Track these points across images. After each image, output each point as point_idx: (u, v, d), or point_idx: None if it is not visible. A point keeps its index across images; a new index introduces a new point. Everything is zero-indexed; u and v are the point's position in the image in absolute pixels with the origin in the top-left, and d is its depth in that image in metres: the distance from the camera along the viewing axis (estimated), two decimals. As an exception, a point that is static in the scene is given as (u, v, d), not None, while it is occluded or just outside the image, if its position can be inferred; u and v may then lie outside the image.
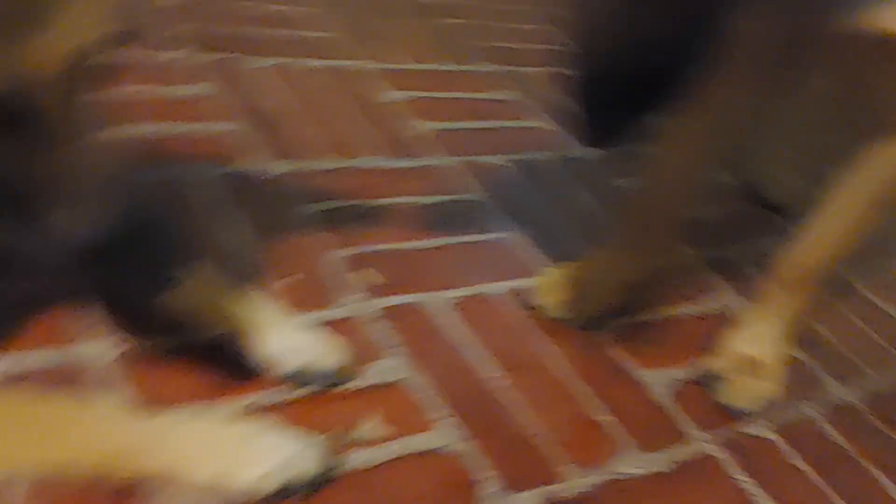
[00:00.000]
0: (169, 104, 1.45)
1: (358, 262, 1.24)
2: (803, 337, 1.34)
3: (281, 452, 0.86)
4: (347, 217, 1.32)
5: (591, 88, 0.73)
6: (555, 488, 1.00)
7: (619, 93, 0.75)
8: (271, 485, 0.85)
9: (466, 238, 1.39)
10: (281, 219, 1.27)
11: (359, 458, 0.95)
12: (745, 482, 1.10)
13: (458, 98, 1.79)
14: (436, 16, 2.16)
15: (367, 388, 1.04)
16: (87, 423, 0.80)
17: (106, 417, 0.82)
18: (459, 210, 1.45)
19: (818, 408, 1.27)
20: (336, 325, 1.11)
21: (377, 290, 1.20)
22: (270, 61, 1.67)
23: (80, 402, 0.84)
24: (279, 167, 1.38)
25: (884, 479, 1.18)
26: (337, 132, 1.53)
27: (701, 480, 1.08)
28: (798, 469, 1.15)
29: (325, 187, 1.37)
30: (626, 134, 0.84)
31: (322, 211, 1.31)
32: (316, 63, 1.73)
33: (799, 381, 1.29)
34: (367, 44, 1.87)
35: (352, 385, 1.04)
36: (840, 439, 1.23)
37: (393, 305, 1.18)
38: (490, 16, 2.29)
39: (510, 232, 1.43)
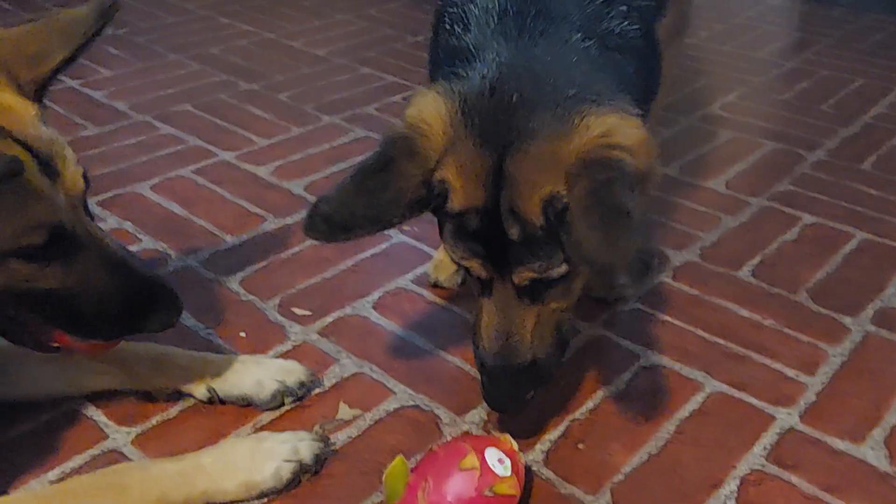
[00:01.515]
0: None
1: (287, 305, 1.52)
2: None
3: (283, 448, 1.14)
4: (268, 275, 1.60)
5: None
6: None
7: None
8: (286, 474, 1.13)
9: (371, 251, 1.69)
10: (216, 293, 1.54)
11: (344, 435, 1.24)
12: (629, 345, 1.44)
13: (313, 153, 2.09)
14: (271, 90, 2.46)
15: (332, 387, 1.33)
16: (139, 479, 1.05)
17: (149, 468, 1.08)
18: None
19: (667, 274, 1.63)
20: (289, 355, 1.39)
21: (308, 319, 1.49)
22: (154, 181, 1.93)
23: (124, 468, 1.09)
24: (201, 255, 1.65)
25: (730, 305, 1.54)
26: (233, 213, 1.80)
27: (597, 349, 1.42)
28: (665, 321, 1.51)
29: (243, 258, 1.66)
30: None
31: (246, 277, 1.59)
32: (189, 170, 2.00)
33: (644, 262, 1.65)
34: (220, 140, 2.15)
35: (318, 390, 1.32)
36: (688, 289, 1.59)
37: (327, 324, 1.48)
38: (309, 79, 2.60)
39: (399, 235, 1.74)
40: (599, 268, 1.00)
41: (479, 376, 1.17)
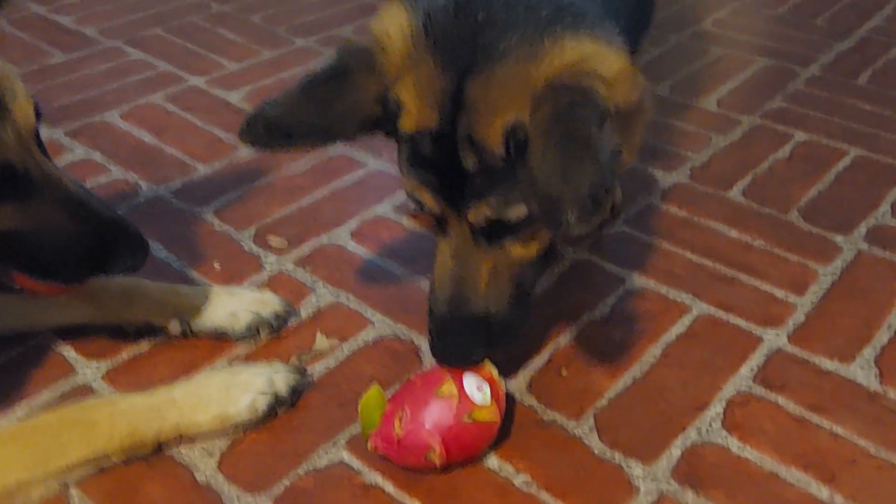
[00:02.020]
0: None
1: (262, 235, 1.47)
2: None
3: (258, 381, 1.11)
4: (242, 204, 1.55)
5: None
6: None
7: None
8: (261, 407, 1.10)
9: (347, 179, 1.63)
10: (189, 223, 1.49)
11: (322, 366, 1.21)
12: (614, 269, 1.41)
13: (285, 77, 2.01)
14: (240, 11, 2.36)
15: (308, 318, 1.30)
16: (107, 413, 1.02)
17: (118, 403, 1.05)
18: (335, 162, 1.69)
19: (655, 196, 1.59)
20: (265, 286, 1.35)
21: (284, 249, 1.44)
22: (123, 108, 1.86)
23: (92, 403, 1.06)
24: (173, 185, 1.60)
25: (719, 226, 1.50)
26: (205, 141, 1.74)
27: (581, 273, 1.38)
28: (652, 244, 1.47)
29: (216, 187, 1.60)
30: None
31: (219, 207, 1.54)
32: (159, 97, 1.92)
33: (631, 180, 1.60)
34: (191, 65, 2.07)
35: (294, 321, 1.29)
36: (676, 210, 1.55)
37: (303, 254, 1.43)
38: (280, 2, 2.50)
39: (377, 160, 1.68)
40: (546, 200, 0.87)
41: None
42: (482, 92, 0.93)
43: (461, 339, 1.04)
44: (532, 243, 1.05)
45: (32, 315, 1.22)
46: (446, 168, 0.97)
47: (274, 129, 0.98)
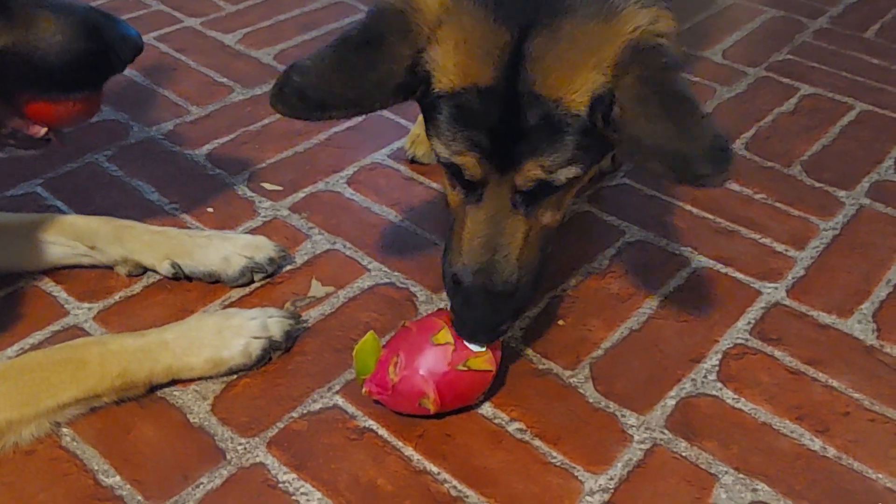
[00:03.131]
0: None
1: (256, 180, 1.45)
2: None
3: (252, 325, 1.10)
4: (236, 148, 1.52)
5: None
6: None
7: None
8: (255, 351, 1.09)
9: (345, 125, 1.60)
10: (181, 166, 1.47)
11: (317, 312, 1.20)
12: (614, 220, 1.39)
13: (283, 20, 1.96)
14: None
15: (303, 264, 1.28)
16: (97, 353, 1.01)
17: (109, 343, 1.03)
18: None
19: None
20: (259, 231, 1.33)
21: (279, 194, 1.42)
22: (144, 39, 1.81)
23: (82, 342, 1.05)
24: (165, 127, 1.57)
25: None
26: (199, 83, 1.70)
27: (580, 224, 1.37)
28: (653, 196, 1.45)
29: (210, 130, 1.57)
30: None
31: (212, 150, 1.51)
32: (152, 37, 1.87)
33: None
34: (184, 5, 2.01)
35: (289, 267, 1.27)
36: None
37: (298, 200, 1.41)
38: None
39: (373, 110, 1.65)
40: (675, 160, 0.87)
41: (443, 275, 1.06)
42: (550, 47, 0.89)
43: (490, 311, 1.00)
44: (561, 207, 1.03)
45: (22, 254, 1.20)
46: (496, 127, 0.92)
47: (307, 99, 0.93)
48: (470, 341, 1.01)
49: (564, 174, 0.94)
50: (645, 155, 0.90)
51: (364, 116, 1.61)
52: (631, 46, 0.89)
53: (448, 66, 0.92)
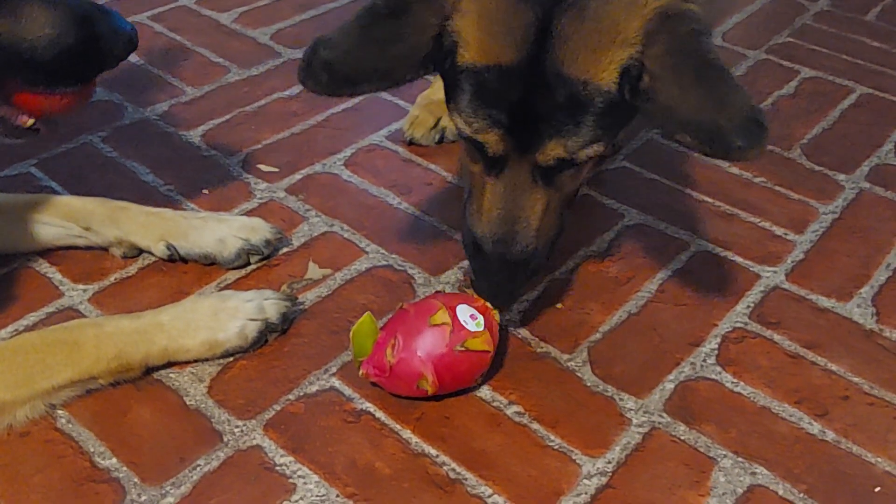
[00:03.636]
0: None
1: (252, 161, 1.43)
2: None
3: (248, 307, 1.09)
4: (231, 129, 1.51)
5: None
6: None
7: None
8: (251, 333, 1.08)
9: (342, 106, 1.59)
10: (176, 147, 1.45)
11: (314, 294, 1.19)
12: (613, 204, 1.38)
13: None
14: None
15: (300, 246, 1.27)
16: (92, 335, 1.00)
17: (104, 325, 1.02)
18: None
19: (656, 131, 1.55)
20: (255, 213, 1.32)
21: (275, 176, 1.41)
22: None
23: (78, 324, 1.04)
24: (160, 107, 1.55)
25: (720, 162, 1.47)
26: (194, 63, 1.68)
27: (579, 208, 1.36)
28: (652, 179, 1.44)
29: (205, 111, 1.55)
30: None
31: (208, 131, 1.50)
32: (146, 16, 1.85)
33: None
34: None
35: (286, 250, 1.26)
36: (676, 146, 1.50)
37: (295, 182, 1.40)
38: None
39: (370, 92, 1.63)
40: (707, 131, 0.85)
41: (462, 249, 1.07)
42: (577, 27, 0.88)
43: (509, 277, 1.03)
44: (580, 178, 1.03)
45: (16, 235, 1.19)
46: (519, 105, 0.91)
47: (336, 74, 0.91)
48: (493, 303, 1.05)
49: (586, 153, 0.94)
50: (677, 126, 0.88)
51: (361, 97, 1.60)
52: (659, 13, 0.87)
53: (470, 40, 0.91)
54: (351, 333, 1.02)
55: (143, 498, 0.92)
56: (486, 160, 0.98)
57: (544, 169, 0.96)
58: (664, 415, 1.04)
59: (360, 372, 1.02)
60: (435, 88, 1.50)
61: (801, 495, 0.95)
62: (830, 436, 1.02)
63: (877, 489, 0.96)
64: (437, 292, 1.18)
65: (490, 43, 0.90)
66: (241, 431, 1.00)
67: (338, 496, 0.93)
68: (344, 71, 0.92)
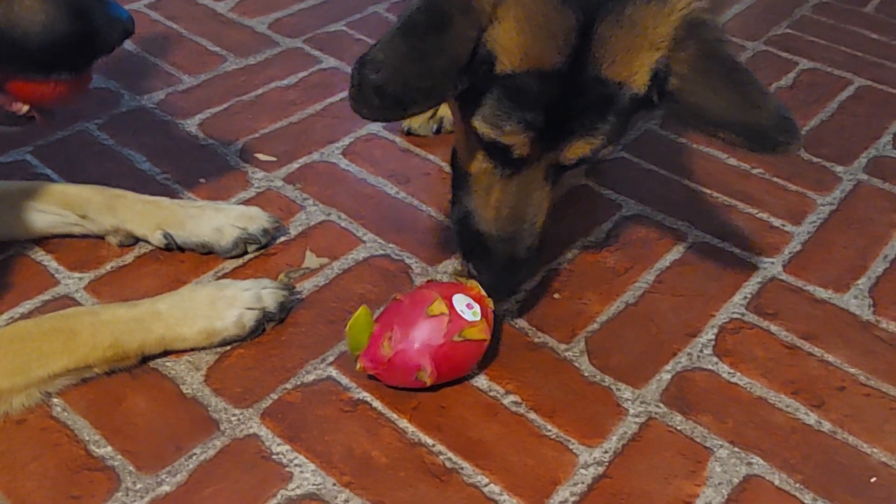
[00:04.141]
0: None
1: (249, 150, 1.43)
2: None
3: (246, 296, 1.09)
4: (228, 118, 1.50)
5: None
6: (467, 250, 1.26)
7: None
8: (249, 322, 1.08)
9: (340, 95, 1.58)
10: (173, 136, 1.45)
11: (311, 283, 1.18)
12: (611, 194, 1.38)
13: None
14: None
15: (298, 236, 1.27)
16: (88, 323, 1.00)
17: (100, 313, 1.02)
18: (328, 77, 1.63)
19: (654, 122, 1.55)
20: (252, 202, 1.32)
21: (273, 165, 1.40)
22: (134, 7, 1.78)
23: (74, 312, 1.03)
24: (156, 96, 1.54)
25: (718, 154, 1.47)
26: (191, 52, 1.67)
27: (577, 198, 1.36)
28: (650, 170, 1.44)
29: (202, 100, 1.54)
30: None
31: (205, 120, 1.49)
32: (142, 4, 1.84)
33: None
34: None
35: (283, 239, 1.26)
36: (675, 137, 1.51)
37: (293, 171, 1.39)
38: None
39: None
40: (749, 130, 0.91)
41: (456, 234, 1.09)
42: (615, 31, 0.90)
43: (512, 272, 1.06)
44: (580, 176, 1.05)
45: (11, 222, 1.18)
46: (553, 107, 0.93)
47: (386, 97, 0.89)
48: (500, 297, 1.08)
49: (605, 152, 0.98)
50: (714, 126, 0.93)
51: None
52: (686, 22, 0.91)
53: (510, 47, 0.91)
54: (346, 329, 1.02)
55: (139, 486, 0.92)
56: (506, 161, 0.99)
57: (560, 168, 1.00)
58: (661, 405, 1.04)
59: (357, 366, 1.01)
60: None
61: (797, 485, 0.95)
62: (826, 426, 1.02)
63: (872, 479, 0.96)
64: (430, 281, 1.18)
65: (531, 46, 0.90)
66: (238, 420, 1.00)
67: (334, 485, 0.93)
68: (393, 92, 0.89)
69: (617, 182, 1.41)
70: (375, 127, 1.50)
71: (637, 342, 1.12)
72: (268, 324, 1.10)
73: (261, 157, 1.42)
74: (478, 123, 0.96)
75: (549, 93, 0.92)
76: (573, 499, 0.93)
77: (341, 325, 1.08)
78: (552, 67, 0.91)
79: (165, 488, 0.92)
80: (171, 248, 1.20)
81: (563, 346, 1.11)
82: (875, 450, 1.00)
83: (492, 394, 1.04)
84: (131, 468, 0.94)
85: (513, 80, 0.92)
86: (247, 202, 1.32)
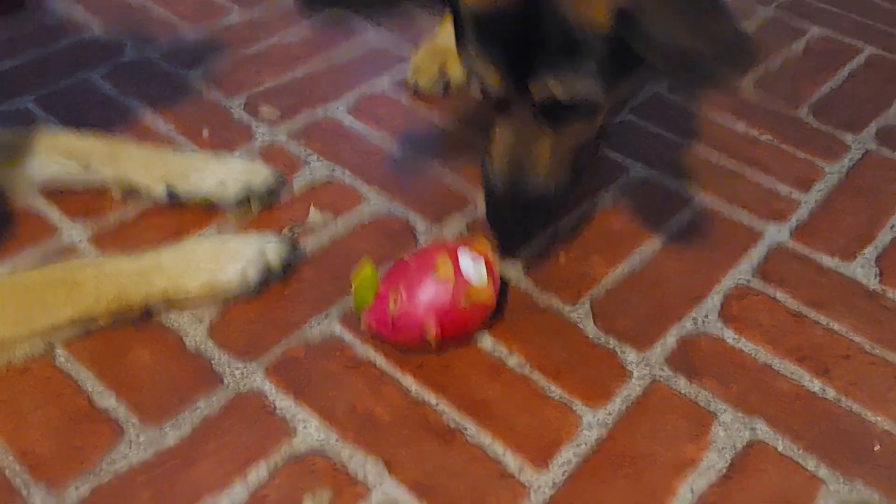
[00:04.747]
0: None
1: (253, 103, 1.41)
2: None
3: (249, 249, 1.08)
4: (233, 70, 1.48)
5: None
6: (469, 210, 1.24)
7: None
8: (252, 276, 1.07)
9: (346, 51, 1.56)
10: (177, 87, 1.42)
11: (315, 239, 1.17)
12: (618, 157, 1.37)
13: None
14: None
15: (301, 192, 1.25)
16: (92, 275, 0.99)
17: (104, 265, 1.01)
18: (334, 32, 1.60)
19: (662, 86, 1.53)
20: (256, 156, 1.30)
21: (276, 120, 1.38)
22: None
23: (77, 263, 1.02)
24: (160, 47, 1.51)
25: (727, 119, 1.46)
26: (195, 2, 1.64)
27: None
28: (658, 134, 1.42)
29: (206, 51, 1.52)
30: None
31: (208, 72, 1.46)
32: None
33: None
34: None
35: (287, 194, 1.24)
36: (684, 101, 1.50)
37: (297, 126, 1.37)
38: None
39: (378, 33, 1.60)
40: (684, 56, 0.85)
41: (480, 193, 1.08)
42: None
43: (521, 217, 1.04)
44: (592, 125, 1.02)
45: (12, 171, 1.16)
46: (515, 44, 0.91)
47: None
48: (504, 244, 1.09)
49: (578, 91, 0.93)
50: (663, 60, 0.87)
51: (365, 44, 1.56)
52: None
53: None
54: (352, 285, 1.01)
55: (142, 438, 0.92)
56: (497, 105, 0.99)
57: (546, 110, 0.97)
58: (665, 368, 1.04)
59: (362, 324, 1.01)
60: (439, 35, 1.47)
61: (801, 451, 0.96)
62: (831, 394, 1.02)
63: (876, 447, 0.97)
64: (437, 241, 1.17)
65: None
66: (242, 374, 0.99)
67: (337, 441, 0.93)
68: None
69: (623, 145, 1.39)
70: (380, 84, 1.48)
71: (642, 305, 1.12)
72: (271, 278, 1.09)
73: (264, 110, 1.40)
74: (461, 57, 0.98)
75: (509, 30, 0.91)
76: (576, 459, 0.94)
77: (345, 281, 1.07)
78: (507, 5, 0.90)
79: (169, 441, 0.92)
80: (174, 200, 1.18)
81: (568, 308, 1.10)
82: (879, 418, 1.00)
83: (496, 354, 1.04)
84: (135, 420, 0.93)
85: (475, 15, 0.93)
86: (250, 156, 1.30)
